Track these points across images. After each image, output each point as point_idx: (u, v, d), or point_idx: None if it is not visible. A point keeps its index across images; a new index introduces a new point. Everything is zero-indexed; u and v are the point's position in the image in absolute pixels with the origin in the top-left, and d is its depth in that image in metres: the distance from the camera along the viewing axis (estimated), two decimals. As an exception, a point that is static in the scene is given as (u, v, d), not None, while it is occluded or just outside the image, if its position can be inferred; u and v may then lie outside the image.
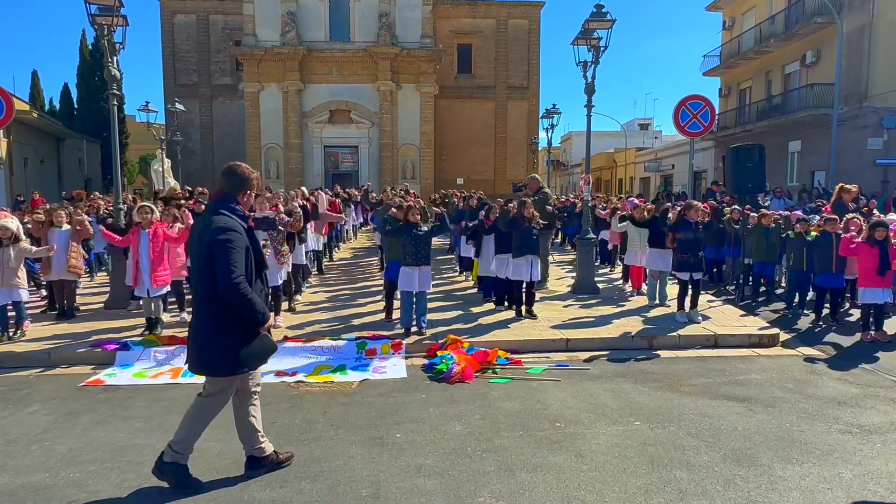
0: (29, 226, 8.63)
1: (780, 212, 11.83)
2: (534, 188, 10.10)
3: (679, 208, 8.96)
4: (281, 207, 8.36)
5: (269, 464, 3.99)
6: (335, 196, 13.22)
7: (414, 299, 7.36)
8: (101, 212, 12.07)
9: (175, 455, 3.77)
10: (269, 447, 4.01)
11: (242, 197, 3.73)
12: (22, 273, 7.26)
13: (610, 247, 13.08)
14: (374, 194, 15.91)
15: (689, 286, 8.09)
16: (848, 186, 10.84)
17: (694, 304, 8.13)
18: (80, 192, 17.00)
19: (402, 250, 7.34)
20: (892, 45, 20.24)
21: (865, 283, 7.52)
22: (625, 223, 9.63)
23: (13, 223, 7.38)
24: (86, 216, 8.33)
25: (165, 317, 7.88)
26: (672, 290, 9.19)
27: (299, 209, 8.61)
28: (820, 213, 10.28)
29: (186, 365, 3.89)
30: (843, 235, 7.99)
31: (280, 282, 7.80)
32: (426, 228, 7.43)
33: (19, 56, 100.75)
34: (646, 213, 9.51)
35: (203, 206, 9.10)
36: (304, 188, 11.47)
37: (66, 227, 8.29)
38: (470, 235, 9.64)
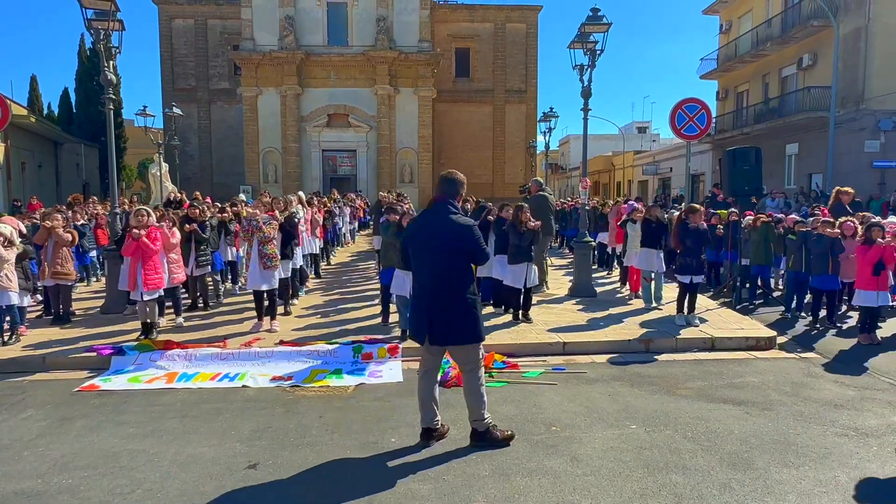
0: (25, 231, 8.59)
1: (773, 213, 11.85)
2: (533, 191, 10.09)
3: (679, 213, 8.94)
4: (277, 213, 8.34)
5: (491, 440, 4.43)
6: (321, 205, 13.05)
7: (408, 303, 7.33)
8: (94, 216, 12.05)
9: (483, 424, 4.40)
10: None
11: (458, 199, 4.50)
12: (13, 277, 7.22)
13: (609, 250, 13.08)
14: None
15: (689, 289, 8.06)
16: (845, 189, 10.86)
17: (691, 307, 8.11)
18: (79, 197, 16.99)
19: (398, 254, 7.31)
20: (888, 48, 20.32)
21: (861, 286, 7.52)
22: (634, 225, 9.55)
23: (6, 228, 7.35)
24: (59, 223, 8.24)
25: (162, 321, 7.86)
26: (669, 292, 9.18)
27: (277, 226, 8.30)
28: (815, 216, 10.28)
29: (428, 338, 4.39)
30: (848, 242, 7.99)
31: (274, 286, 7.75)
32: None
33: (18, 61, 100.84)
34: (639, 215, 9.52)
35: (197, 211, 9.10)
36: (301, 193, 11.44)
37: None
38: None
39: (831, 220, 8.61)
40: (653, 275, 9.09)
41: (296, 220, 8.80)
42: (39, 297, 9.20)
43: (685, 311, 8.11)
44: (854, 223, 8.50)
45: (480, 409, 4.42)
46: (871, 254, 7.36)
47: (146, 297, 7.23)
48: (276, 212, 8.21)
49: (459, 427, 4.80)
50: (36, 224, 9.25)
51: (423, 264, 4.40)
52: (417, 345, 6.92)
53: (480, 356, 4.51)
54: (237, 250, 10.45)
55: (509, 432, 4.53)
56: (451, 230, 4.29)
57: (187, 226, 8.71)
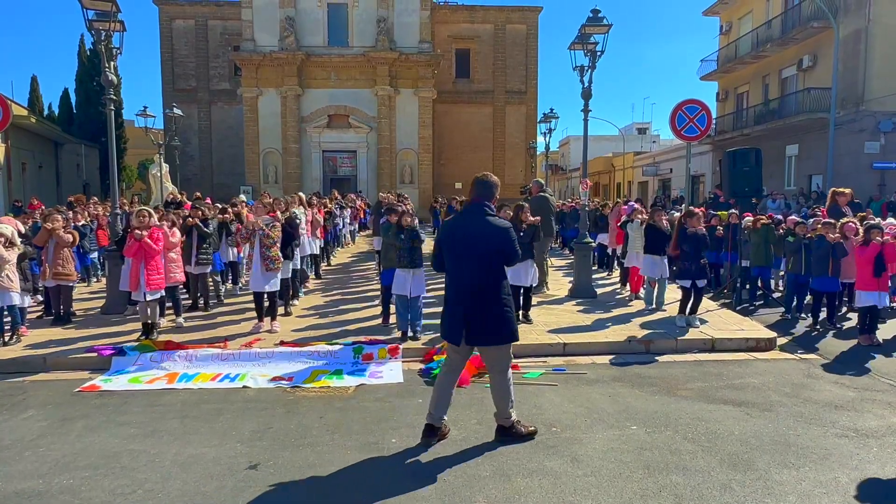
0: (24, 231, 8.59)
1: (774, 215, 11.85)
2: (534, 192, 10.10)
3: (679, 218, 8.92)
4: (279, 214, 8.35)
5: (515, 435, 4.56)
6: (321, 205, 13.06)
7: (408, 304, 7.34)
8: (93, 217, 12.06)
9: (509, 421, 4.54)
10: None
11: (493, 201, 4.60)
12: (14, 277, 7.23)
13: (610, 251, 13.09)
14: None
15: (692, 293, 8.03)
16: (841, 190, 10.82)
17: (694, 310, 8.10)
18: (81, 197, 16.99)
19: (397, 254, 7.33)
20: (888, 49, 20.33)
21: (862, 287, 7.53)
22: (635, 224, 9.55)
23: (7, 229, 7.36)
24: (59, 224, 8.24)
25: (162, 322, 7.87)
26: (671, 293, 9.19)
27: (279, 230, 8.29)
28: (816, 217, 10.29)
29: (464, 340, 4.43)
30: (852, 244, 7.98)
31: (276, 287, 7.77)
32: (420, 232, 7.42)
33: (19, 61, 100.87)
34: (643, 216, 9.53)
35: (199, 213, 9.10)
36: (301, 194, 11.45)
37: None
38: None
39: (832, 221, 8.59)
40: (656, 280, 9.07)
41: (297, 221, 8.80)
42: (40, 298, 9.21)
43: (686, 312, 8.10)
44: (855, 224, 8.51)
45: (508, 408, 4.55)
46: (868, 252, 7.36)
47: (149, 298, 7.24)
48: (278, 213, 8.23)
49: (460, 428, 4.81)
50: (37, 224, 9.25)
51: (459, 265, 4.47)
52: (417, 345, 7.03)
53: (510, 357, 4.64)
54: (238, 252, 10.45)
55: (532, 428, 4.66)
56: (487, 231, 4.40)
57: (189, 219, 8.72)
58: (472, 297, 4.37)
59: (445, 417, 4.58)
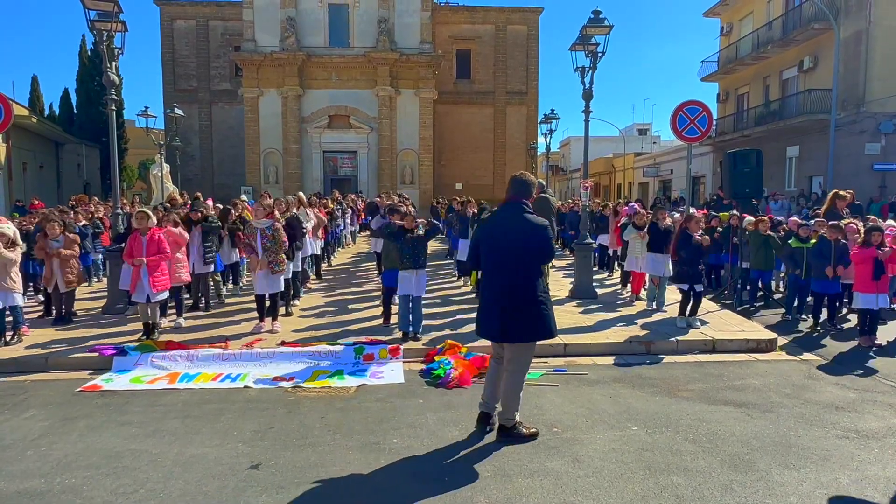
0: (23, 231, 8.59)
1: (774, 216, 11.85)
2: (535, 192, 10.07)
3: (679, 221, 8.92)
4: (278, 214, 8.36)
5: (517, 436, 4.55)
6: (320, 204, 13.08)
7: (410, 305, 7.35)
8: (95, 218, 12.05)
9: (511, 421, 4.54)
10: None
11: (529, 200, 4.64)
12: (17, 278, 7.24)
13: (611, 251, 13.09)
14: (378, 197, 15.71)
15: (691, 295, 8.04)
16: (842, 193, 10.75)
17: (694, 311, 8.11)
18: (83, 198, 16.98)
19: (399, 255, 7.34)
20: (888, 51, 20.34)
21: (861, 289, 7.53)
22: (632, 231, 9.55)
23: (9, 229, 7.37)
24: (58, 234, 8.19)
25: (164, 322, 7.87)
26: (670, 295, 9.19)
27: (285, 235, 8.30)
28: (817, 220, 10.26)
29: (493, 334, 4.59)
30: (852, 246, 7.97)
31: (279, 289, 7.79)
32: (422, 233, 7.43)
33: (19, 61, 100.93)
34: (646, 219, 9.53)
35: (199, 214, 9.09)
36: (301, 194, 11.45)
37: (59, 238, 8.19)
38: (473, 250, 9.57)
39: (839, 224, 8.52)
40: (658, 278, 9.08)
41: (298, 222, 8.81)
42: (41, 298, 9.22)
43: (686, 314, 8.11)
44: (856, 224, 8.51)
45: (514, 409, 4.57)
46: (867, 253, 7.35)
47: (154, 299, 7.24)
48: (277, 213, 8.22)
49: (461, 428, 4.82)
50: (38, 227, 9.19)
51: (497, 263, 4.52)
52: (418, 346, 7.03)
53: (531, 359, 4.73)
54: (241, 254, 10.45)
55: (534, 429, 4.67)
56: (526, 228, 4.46)
57: (193, 214, 8.74)
58: (510, 296, 4.41)
59: (499, 405, 4.66)
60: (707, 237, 8.25)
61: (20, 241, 7.48)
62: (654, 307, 9.08)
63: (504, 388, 4.59)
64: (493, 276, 4.56)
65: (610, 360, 6.89)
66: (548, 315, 4.50)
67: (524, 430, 4.60)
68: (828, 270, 8.00)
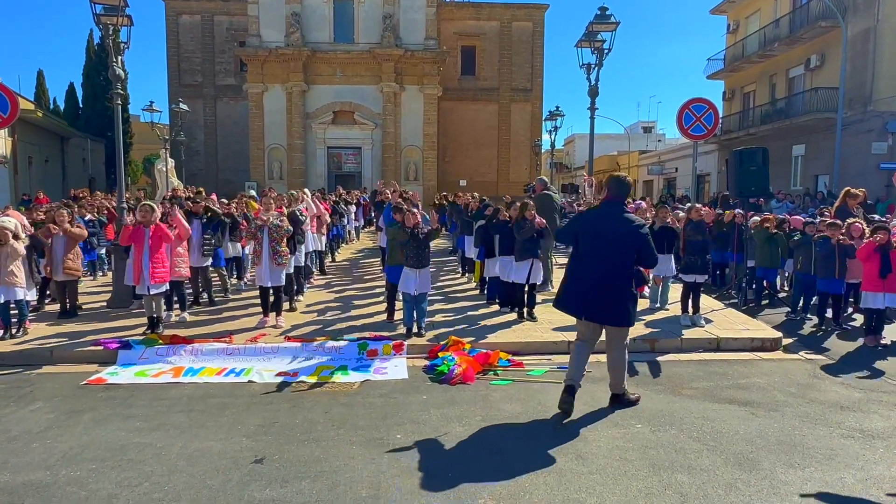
0: (31, 228, 8.61)
1: (780, 215, 11.79)
2: (538, 189, 10.08)
3: (684, 218, 8.95)
4: (285, 210, 8.36)
5: (626, 402, 5.25)
6: (324, 198, 13.11)
7: (414, 301, 7.35)
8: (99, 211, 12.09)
9: (621, 388, 5.26)
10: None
11: (627, 200, 5.19)
12: (21, 271, 7.26)
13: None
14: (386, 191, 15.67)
15: (692, 289, 8.06)
16: (855, 191, 10.65)
17: (696, 308, 8.10)
18: (85, 191, 17.04)
19: (404, 252, 7.34)
20: (897, 50, 20.21)
21: (868, 288, 7.50)
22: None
23: (12, 222, 7.39)
24: (66, 222, 8.27)
25: (171, 316, 7.89)
26: (674, 294, 9.16)
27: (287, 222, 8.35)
28: (821, 218, 10.22)
29: (589, 318, 5.16)
30: (858, 243, 7.93)
31: (282, 283, 7.80)
32: (426, 231, 7.43)
33: (25, 55, 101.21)
34: (647, 216, 9.51)
35: (201, 207, 9.12)
36: (306, 189, 11.46)
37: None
38: (482, 236, 9.58)
39: (838, 222, 8.52)
40: (661, 277, 9.06)
41: (299, 216, 8.81)
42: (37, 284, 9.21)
43: (690, 311, 8.10)
44: (861, 224, 8.46)
45: (622, 379, 5.24)
46: (869, 246, 7.31)
47: (153, 291, 7.25)
48: (283, 208, 8.24)
49: (464, 424, 4.82)
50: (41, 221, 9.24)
51: (594, 252, 5.00)
52: (422, 342, 7.03)
53: (628, 335, 5.30)
54: (243, 245, 10.47)
55: (636, 395, 5.34)
56: (625, 226, 4.94)
57: (195, 204, 8.77)
58: (601, 279, 4.92)
59: (582, 378, 5.17)
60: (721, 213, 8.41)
61: (23, 235, 7.50)
62: (658, 305, 9.06)
63: (611, 363, 5.20)
64: (587, 262, 5.04)
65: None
66: (632, 307, 5.03)
67: (631, 397, 5.27)
68: (834, 235, 8.04)
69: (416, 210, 7.67)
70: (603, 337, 5.25)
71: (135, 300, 8.64)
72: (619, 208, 5.07)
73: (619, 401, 5.24)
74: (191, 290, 9.20)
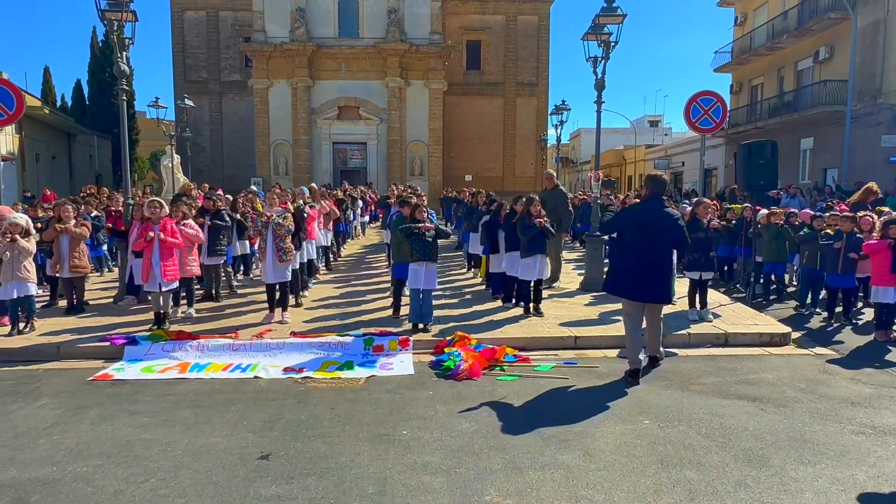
0: (39, 224, 8.63)
1: (789, 209, 11.68)
2: (550, 185, 10.01)
3: (689, 208, 8.86)
4: (290, 205, 8.33)
5: (657, 363, 6.21)
6: (330, 195, 13.09)
7: (420, 296, 7.33)
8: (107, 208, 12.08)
9: (658, 352, 6.23)
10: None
11: (665, 196, 5.98)
12: (31, 267, 7.29)
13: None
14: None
15: (699, 285, 8.01)
16: (875, 190, 10.50)
17: (703, 303, 8.04)
18: (93, 188, 17.07)
19: (410, 247, 7.31)
20: (907, 41, 19.96)
21: (878, 282, 7.42)
22: None
23: (23, 219, 7.42)
24: (71, 222, 8.25)
25: (178, 312, 7.89)
26: (680, 289, 9.10)
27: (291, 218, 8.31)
28: (831, 212, 10.12)
29: (636, 298, 5.82)
30: (865, 240, 7.84)
31: (288, 279, 7.78)
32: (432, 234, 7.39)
33: (31, 52, 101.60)
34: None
35: (212, 203, 9.11)
36: (313, 185, 11.45)
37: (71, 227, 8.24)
38: (487, 232, 9.53)
39: (849, 215, 8.43)
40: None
41: (304, 213, 8.80)
42: (47, 285, 9.25)
43: (697, 306, 8.04)
44: (872, 218, 8.36)
45: (659, 345, 6.24)
46: (880, 243, 7.22)
47: (164, 289, 7.25)
48: (289, 204, 8.22)
49: (471, 420, 4.80)
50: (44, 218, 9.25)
51: (642, 241, 5.65)
52: (428, 338, 7.01)
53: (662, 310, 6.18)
54: (252, 243, 10.45)
55: (664, 357, 6.34)
56: (667, 219, 5.69)
57: (202, 219, 8.74)
58: (652, 269, 5.63)
59: (643, 357, 5.91)
60: (717, 220, 8.27)
61: (33, 231, 7.52)
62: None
63: (652, 333, 6.05)
64: (637, 252, 5.67)
65: (621, 352, 6.80)
66: (673, 284, 6.13)
67: (662, 361, 6.26)
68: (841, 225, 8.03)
69: (425, 211, 7.61)
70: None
71: (128, 296, 8.66)
72: (661, 202, 5.76)
73: (656, 363, 6.14)
74: (200, 287, 9.19)
